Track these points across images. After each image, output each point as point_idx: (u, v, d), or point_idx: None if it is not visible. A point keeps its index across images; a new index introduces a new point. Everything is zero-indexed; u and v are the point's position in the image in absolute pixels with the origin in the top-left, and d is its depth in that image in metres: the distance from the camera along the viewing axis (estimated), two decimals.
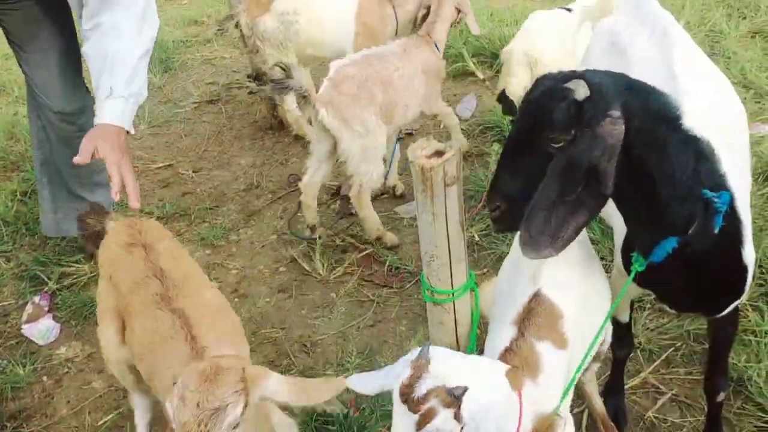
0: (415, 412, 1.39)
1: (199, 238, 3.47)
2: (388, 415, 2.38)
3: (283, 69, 2.83)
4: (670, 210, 1.57)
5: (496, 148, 3.87)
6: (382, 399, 2.45)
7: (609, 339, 2.17)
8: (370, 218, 3.26)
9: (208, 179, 3.96)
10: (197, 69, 5.16)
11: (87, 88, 2.98)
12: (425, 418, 1.38)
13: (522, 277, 1.87)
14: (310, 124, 3.12)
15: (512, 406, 1.53)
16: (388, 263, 3.20)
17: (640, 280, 1.76)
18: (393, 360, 2.63)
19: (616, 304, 1.88)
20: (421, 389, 1.40)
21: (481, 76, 4.57)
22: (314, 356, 2.79)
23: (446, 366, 1.44)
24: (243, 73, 4.98)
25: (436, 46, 3.45)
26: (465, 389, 1.38)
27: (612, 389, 2.39)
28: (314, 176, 3.23)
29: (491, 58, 4.67)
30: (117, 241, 2.11)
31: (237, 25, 3.73)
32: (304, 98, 2.93)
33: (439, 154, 1.76)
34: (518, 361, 1.64)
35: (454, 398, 1.38)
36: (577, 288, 1.86)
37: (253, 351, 2.82)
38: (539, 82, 1.62)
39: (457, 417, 1.38)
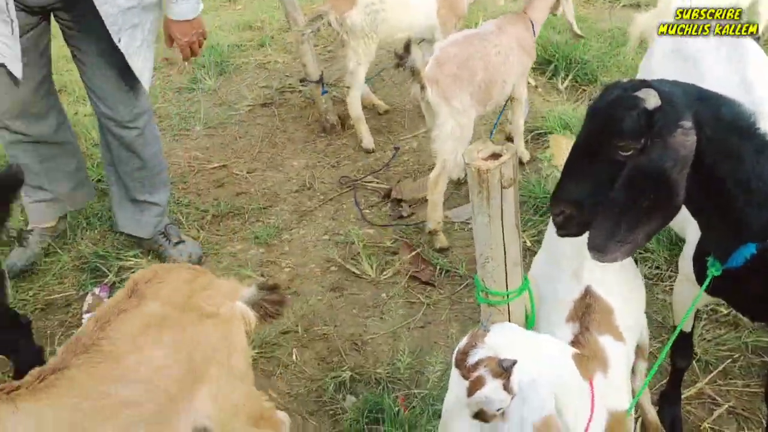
0: (466, 379, 1.44)
1: (253, 236, 3.54)
2: (438, 414, 2.40)
3: (406, 46, 3.06)
4: (747, 217, 1.56)
5: (548, 155, 3.87)
6: (433, 398, 2.47)
7: (647, 334, 2.19)
8: (437, 206, 3.32)
9: (261, 180, 4.03)
10: (251, 73, 5.26)
11: (145, 91, 3.07)
12: (474, 386, 1.43)
13: (561, 275, 1.93)
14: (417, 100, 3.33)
15: (582, 391, 1.53)
16: (438, 266, 3.22)
17: (713, 288, 1.75)
18: (444, 362, 2.66)
19: (690, 311, 1.88)
20: (473, 358, 1.45)
21: (533, 82, 4.56)
22: (365, 354, 2.82)
23: (502, 339, 1.50)
24: (296, 77, 5.06)
25: (532, 24, 3.55)
26: (514, 362, 1.41)
27: (668, 398, 2.36)
28: None
29: (544, 65, 4.66)
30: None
31: (328, 23, 3.87)
32: (413, 75, 3.11)
33: (495, 156, 1.78)
34: (587, 354, 1.65)
35: (503, 369, 1.42)
36: (617, 288, 1.90)
37: (304, 347, 2.87)
38: (607, 90, 1.63)
39: (507, 388, 1.42)
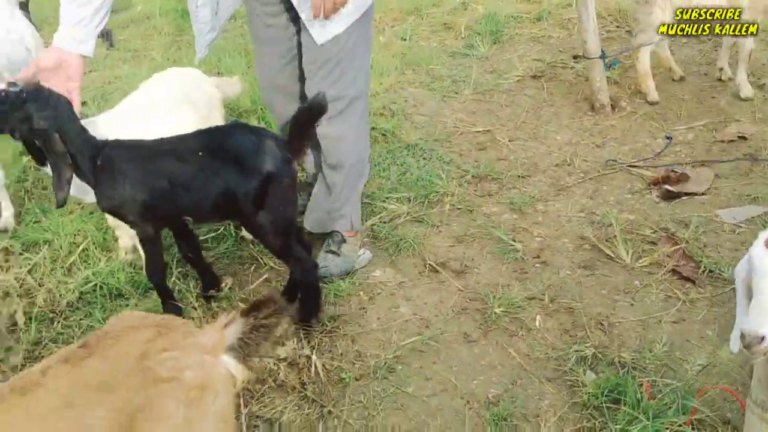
0: None
1: (509, 201, 3.59)
2: (687, 411, 2.29)
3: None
4: None
5: None
6: (685, 393, 2.36)
7: None
8: None
9: (522, 149, 4.06)
10: (524, 45, 5.28)
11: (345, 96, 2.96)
12: None
13: None
14: None
15: None
16: (702, 264, 3.04)
17: None
18: (696, 360, 2.53)
19: None
20: None
21: None
22: (610, 336, 2.76)
23: None
24: (569, 53, 5.00)
25: None
26: None
27: None
28: None
29: None
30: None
31: None
32: None
33: None
34: None
35: None
36: None
37: (548, 316, 2.88)
38: None
39: None
